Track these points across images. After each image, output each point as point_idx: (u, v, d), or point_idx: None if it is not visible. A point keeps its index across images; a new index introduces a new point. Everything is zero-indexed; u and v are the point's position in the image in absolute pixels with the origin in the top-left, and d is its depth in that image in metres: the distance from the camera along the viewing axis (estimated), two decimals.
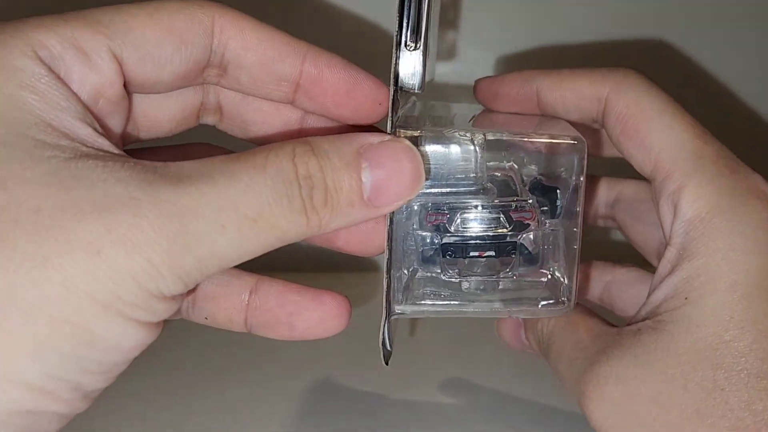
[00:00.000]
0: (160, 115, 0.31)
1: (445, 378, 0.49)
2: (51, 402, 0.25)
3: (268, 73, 0.30)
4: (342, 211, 0.27)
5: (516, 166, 0.34)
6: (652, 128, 0.33)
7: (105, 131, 0.27)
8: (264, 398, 0.46)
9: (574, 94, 0.35)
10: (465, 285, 0.33)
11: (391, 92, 0.29)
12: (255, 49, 0.29)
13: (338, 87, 0.31)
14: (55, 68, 0.25)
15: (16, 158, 0.23)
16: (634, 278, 0.40)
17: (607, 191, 0.41)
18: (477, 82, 0.38)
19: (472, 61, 0.59)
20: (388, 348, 0.32)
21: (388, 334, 0.32)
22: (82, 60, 0.26)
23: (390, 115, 0.29)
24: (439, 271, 0.33)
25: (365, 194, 0.27)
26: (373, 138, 0.28)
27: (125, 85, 0.28)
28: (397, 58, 0.29)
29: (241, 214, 0.25)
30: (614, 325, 0.34)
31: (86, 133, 0.26)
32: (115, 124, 0.29)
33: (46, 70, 0.25)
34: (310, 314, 0.32)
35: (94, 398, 0.26)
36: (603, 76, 0.34)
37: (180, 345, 0.51)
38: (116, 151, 0.26)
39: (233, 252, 0.25)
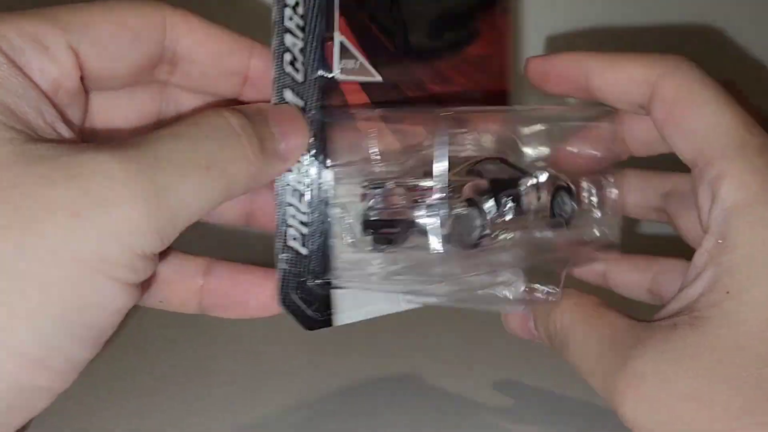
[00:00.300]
0: (117, 116, 0.32)
1: (447, 376, 0.48)
2: (44, 374, 0.25)
3: (219, 66, 0.32)
4: (273, 159, 0.30)
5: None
6: (698, 114, 0.32)
7: (64, 122, 0.28)
8: (264, 397, 0.45)
9: (623, 77, 0.34)
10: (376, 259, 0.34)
11: (274, 68, 0.32)
12: (205, 44, 0.31)
13: None
14: (15, 59, 0.27)
15: None
16: (684, 269, 0.38)
17: (660, 183, 0.40)
18: (528, 61, 0.37)
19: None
20: (307, 313, 0.33)
21: (299, 294, 0.33)
22: (41, 52, 0.27)
23: (273, 89, 0.32)
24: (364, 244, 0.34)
25: (278, 145, 0.30)
26: (264, 105, 0.32)
27: (82, 80, 0.29)
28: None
29: (195, 164, 0.27)
30: (638, 318, 0.32)
31: (43, 119, 0.27)
32: (74, 117, 0.30)
33: (6, 59, 0.26)
34: (262, 291, 0.33)
35: (78, 373, 0.26)
36: (654, 61, 0.34)
37: (180, 345, 0.51)
38: (72, 136, 0.28)
39: (197, 201, 0.27)
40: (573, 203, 0.37)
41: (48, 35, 0.27)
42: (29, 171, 0.24)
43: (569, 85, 0.36)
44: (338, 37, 0.33)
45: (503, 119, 0.38)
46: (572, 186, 0.37)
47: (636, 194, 0.41)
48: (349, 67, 0.33)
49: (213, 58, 0.31)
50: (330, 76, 0.33)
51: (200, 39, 0.31)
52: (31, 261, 0.24)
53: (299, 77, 0.32)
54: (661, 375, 0.29)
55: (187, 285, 0.33)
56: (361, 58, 0.33)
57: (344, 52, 0.33)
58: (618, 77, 0.35)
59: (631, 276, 0.40)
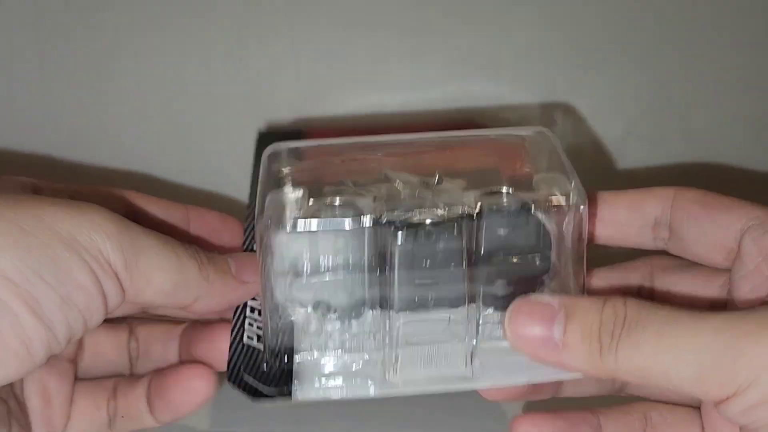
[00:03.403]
0: None
1: None
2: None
3: (170, 216, 0.42)
4: (219, 274, 0.36)
5: None
6: (729, 205, 0.32)
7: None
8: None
9: (632, 209, 0.36)
10: None
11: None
12: (155, 204, 0.42)
13: (215, 224, 0.43)
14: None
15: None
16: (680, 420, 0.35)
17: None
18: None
19: None
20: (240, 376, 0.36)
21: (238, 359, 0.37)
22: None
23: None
24: None
25: (232, 270, 0.37)
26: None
27: None
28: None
29: (161, 241, 0.34)
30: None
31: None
32: None
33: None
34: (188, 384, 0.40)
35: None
36: (665, 188, 0.35)
37: None
38: None
39: (158, 260, 0.34)
40: None
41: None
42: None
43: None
44: None
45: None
46: None
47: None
48: None
49: (162, 212, 0.41)
50: None
51: (149, 201, 0.41)
52: (17, 216, 0.30)
53: None
54: None
55: (138, 392, 0.41)
56: None
57: None
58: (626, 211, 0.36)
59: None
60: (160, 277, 0.34)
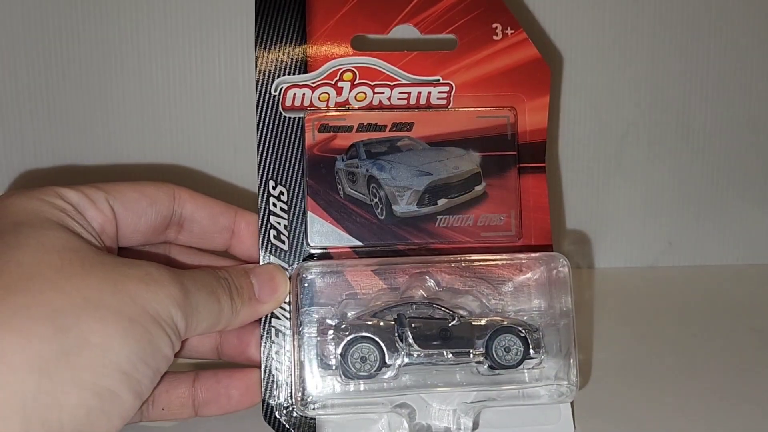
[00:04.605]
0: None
1: None
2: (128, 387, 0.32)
3: (215, 223, 0.42)
4: (245, 303, 0.39)
5: None
6: None
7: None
8: None
9: None
10: None
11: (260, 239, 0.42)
12: (204, 207, 0.42)
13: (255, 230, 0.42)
14: (77, 209, 0.37)
15: (77, 258, 0.33)
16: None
17: None
18: None
19: None
20: None
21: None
22: (91, 204, 0.37)
23: (260, 255, 0.42)
24: None
25: (256, 293, 0.40)
26: (251, 264, 0.42)
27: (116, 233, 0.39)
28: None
29: (205, 285, 0.37)
30: None
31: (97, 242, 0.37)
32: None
33: (72, 207, 0.37)
34: (241, 383, 0.41)
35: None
36: None
37: None
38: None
39: (206, 310, 0.36)
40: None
41: (94, 195, 0.38)
42: (110, 261, 0.34)
43: None
44: (309, 215, 0.41)
45: None
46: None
47: None
48: (321, 236, 0.41)
49: (210, 216, 0.41)
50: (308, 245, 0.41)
51: (199, 204, 0.41)
52: (119, 303, 0.32)
53: (285, 247, 0.42)
54: None
55: (181, 391, 0.40)
56: (335, 229, 0.41)
57: (315, 225, 0.41)
58: None
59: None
60: (202, 327, 0.37)
